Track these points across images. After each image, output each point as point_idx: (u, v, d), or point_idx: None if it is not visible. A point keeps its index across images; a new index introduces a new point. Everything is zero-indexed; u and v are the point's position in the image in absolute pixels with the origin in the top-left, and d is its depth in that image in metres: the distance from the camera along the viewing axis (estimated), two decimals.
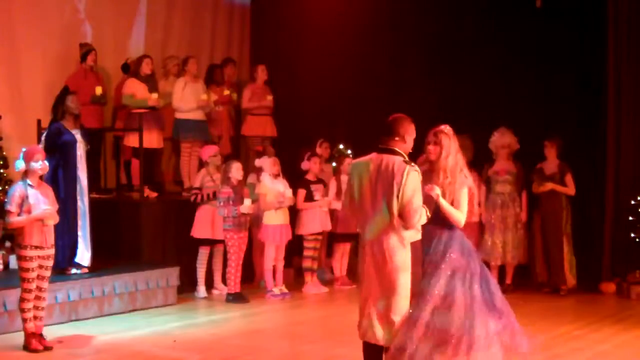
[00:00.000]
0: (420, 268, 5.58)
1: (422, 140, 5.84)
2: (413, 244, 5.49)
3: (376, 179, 5.48)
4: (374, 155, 5.60)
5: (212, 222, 9.82)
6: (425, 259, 5.69)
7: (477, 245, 9.88)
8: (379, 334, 5.51)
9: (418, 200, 5.42)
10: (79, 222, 8.81)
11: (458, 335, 5.51)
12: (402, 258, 5.45)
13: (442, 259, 5.72)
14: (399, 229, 5.44)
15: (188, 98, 10.88)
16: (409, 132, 5.59)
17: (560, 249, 10.10)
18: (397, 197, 5.38)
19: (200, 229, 9.91)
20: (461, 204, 5.82)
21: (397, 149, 5.54)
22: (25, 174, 7.23)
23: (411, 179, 5.39)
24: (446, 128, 5.95)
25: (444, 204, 5.74)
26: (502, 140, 10.25)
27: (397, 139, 5.55)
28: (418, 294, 5.55)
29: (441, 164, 5.82)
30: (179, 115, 10.95)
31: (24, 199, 7.14)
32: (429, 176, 5.82)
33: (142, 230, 9.95)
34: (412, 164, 5.49)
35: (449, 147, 5.85)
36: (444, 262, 5.69)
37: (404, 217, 5.40)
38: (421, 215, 5.47)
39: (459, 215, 5.82)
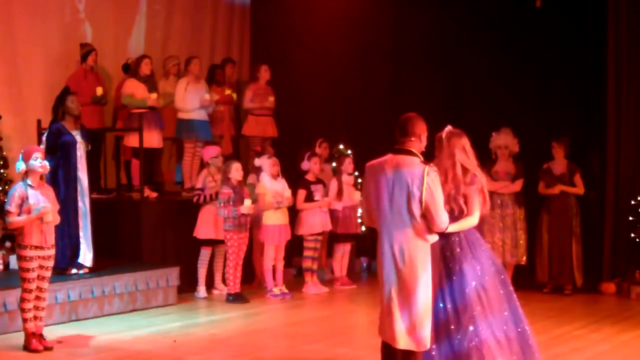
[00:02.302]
0: (437, 270, 5.54)
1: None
2: (432, 245, 5.44)
3: (393, 181, 5.41)
4: (389, 156, 5.52)
5: (214, 223, 9.82)
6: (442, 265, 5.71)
7: None
8: (402, 339, 5.40)
9: (440, 200, 5.38)
10: (80, 223, 8.81)
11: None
12: (422, 260, 5.38)
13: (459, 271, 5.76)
14: (420, 231, 5.38)
15: (191, 98, 10.87)
16: (424, 132, 5.55)
17: (569, 249, 10.11)
18: (419, 199, 5.32)
19: (202, 229, 9.91)
20: (473, 207, 5.84)
21: (413, 149, 5.48)
22: (26, 174, 7.23)
23: (431, 179, 5.34)
24: (445, 132, 5.96)
25: (454, 227, 5.73)
26: (501, 141, 10.25)
27: (413, 139, 5.48)
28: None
29: (446, 172, 5.86)
30: (181, 116, 10.94)
31: (24, 199, 7.14)
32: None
33: (142, 230, 9.95)
34: (430, 164, 5.44)
35: (450, 153, 5.87)
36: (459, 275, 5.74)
37: (430, 219, 5.35)
38: (446, 215, 5.44)
39: (470, 221, 5.84)
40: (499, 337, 5.67)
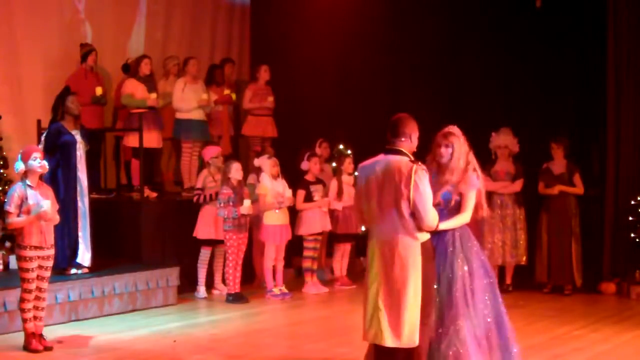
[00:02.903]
0: (431, 268, 5.56)
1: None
2: (423, 244, 5.46)
3: (383, 180, 5.44)
4: (381, 156, 5.56)
5: (214, 223, 9.81)
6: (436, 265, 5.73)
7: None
8: (389, 337, 5.43)
9: (428, 198, 5.40)
10: (80, 223, 8.81)
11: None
12: (412, 259, 5.39)
13: (450, 274, 5.78)
14: (410, 230, 5.39)
15: (188, 98, 10.88)
16: (415, 131, 5.57)
17: (569, 248, 10.11)
18: (407, 197, 5.34)
19: (203, 229, 9.91)
20: (467, 205, 5.87)
21: (403, 149, 5.50)
22: (25, 174, 7.22)
23: (419, 178, 5.35)
24: (454, 129, 5.98)
25: (446, 225, 5.78)
26: (501, 141, 10.26)
27: (403, 139, 5.52)
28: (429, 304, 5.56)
29: (452, 165, 5.87)
30: (179, 116, 10.96)
31: (24, 199, 7.13)
32: (438, 177, 5.85)
33: (142, 230, 9.94)
34: (419, 163, 5.45)
35: (460, 149, 5.90)
36: (451, 280, 5.76)
37: (418, 218, 5.36)
38: (435, 214, 5.46)
39: (462, 218, 5.89)
40: (480, 339, 5.69)
